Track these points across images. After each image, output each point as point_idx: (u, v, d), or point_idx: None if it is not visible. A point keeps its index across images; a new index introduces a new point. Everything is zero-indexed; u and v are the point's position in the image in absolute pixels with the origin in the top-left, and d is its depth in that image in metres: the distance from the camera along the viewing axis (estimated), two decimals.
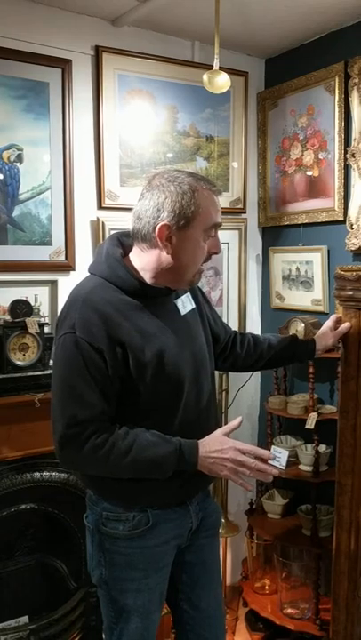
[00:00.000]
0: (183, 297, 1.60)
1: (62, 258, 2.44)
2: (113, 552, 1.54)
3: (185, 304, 1.60)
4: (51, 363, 2.21)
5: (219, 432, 1.48)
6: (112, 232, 2.52)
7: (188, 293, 1.63)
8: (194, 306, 1.63)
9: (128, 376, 1.42)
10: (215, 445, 1.44)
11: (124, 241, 1.54)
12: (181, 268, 1.46)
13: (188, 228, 1.41)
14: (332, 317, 1.92)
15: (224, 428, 1.49)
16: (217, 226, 1.48)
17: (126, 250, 1.52)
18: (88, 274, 1.53)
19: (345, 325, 1.89)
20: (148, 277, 1.47)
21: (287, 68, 2.80)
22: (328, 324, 1.91)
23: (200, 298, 1.70)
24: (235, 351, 1.83)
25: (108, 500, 1.53)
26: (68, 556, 2.39)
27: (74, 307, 1.42)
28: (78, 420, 1.37)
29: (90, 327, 1.37)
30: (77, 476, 1.60)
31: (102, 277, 1.47)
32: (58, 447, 1.42)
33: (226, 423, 2.73)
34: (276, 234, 2.94)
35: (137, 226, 1.46)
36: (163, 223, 1.41)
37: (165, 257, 1.44)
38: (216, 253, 1.51)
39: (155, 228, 1.41)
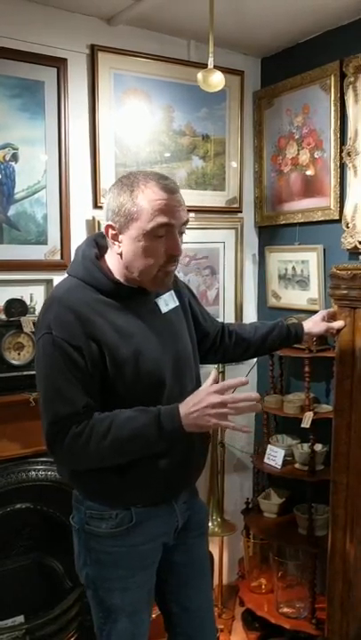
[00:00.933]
0: (165, 295, 1.59)
1: (58, 257, 2.44)
2: (98, 551, 1.54)
3: (167, 302, 1.59)
4: None
5: (200, 389, 1.44)
6: None
7: (172, 291, 1.62)
8: (177, 303, 1.62)
9: (105, 374, 1.41)
10: (192, 400, 1.39)
11: (101, 242, 1.54)
12: (133, 268, 1.44)
13: (128, 228, 1.41)
14: (328, 310, 1.96)
15: (205, 384, 1.43)
16: (165, 226, 1.40)
17: (102, 251, 1.53)
18: (66, 275, 1.54)
19: (339, 323, 1.90)
20: (119, 276, 1.48)
21: (283, 67, 2.80)
22: (322, 313, 1.95)
23: (185, 294, 1.70)
24: (224, 343, 1.84)
25: (93, 498, 1.53)
26: (64, 555, 2.38)
27: (50, 308, 1.43)
28: (60, 416, 1.38)
29: (66, 326, 1.38)
30: (64, 476, 1.59)
31: (79, 278, 1.47)
32: (47, 446, 1.43)
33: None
34: (272, 233, 2.94)
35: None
36: (107, 223, 1.45)
37: (117, 257, 1.46)
38: (175, 255, 1.45)
39: (104, 227, 1.46)
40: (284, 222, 2.83)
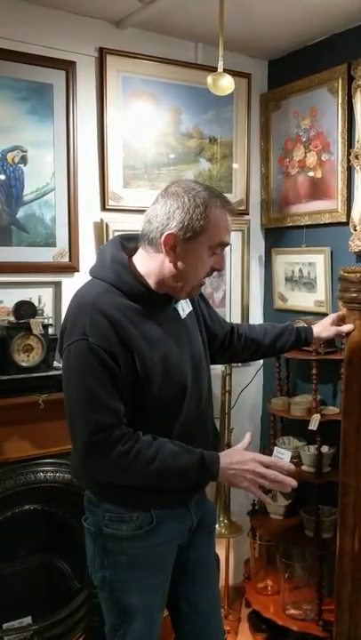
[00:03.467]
0: (182, 301, 1.60)
1: (66, 259, 2.44)
2: (117, 553, 1.54)
3: (184, 308, 1.61)
4: (56, 364, 2.23)
5: (239, 446, 1.52)
6: (115, 233, 2.53)
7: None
8: (191, 308, 1.64)
9: (136, 381, 1.43)
10: (236, 457, 1.46)
11: (126, 244, 1.54)
12: (181, 278, 1.46)
13: (193, 241, 1.43)
14: (338, 313, 1.97)
15: (242, 444, 1.52)
16: (224, 245, 1.49)
17: (128, 253, 1.52)
18: (90, 277, 1.53)
19: (348, 327, 1.90)
20: (151, 282, 1.48)
21: (290, 69, 2.80)
22: (332, 317, 1.96)
23: (196, 298, 1.71)
24: (232, 344, 1.85)
25: (111, 502, 1.53)
26: (71, 556, 2.39)
27: (82, 312, 1.41)
28: (102, 425, 1.37)
29: (101, 332, 1.37)
30: (80, 478, 1.59)
31: (107, 282, 1.46)
32: (83, 454, 1.41)
33: (229, 424, 2.75)
34: (278, 235, 2.95)
35: (146, 229, 1.47)
36: (170, 232, 1.42)
37: (168, 265, 1.45)
38: (219, 270, 1.53)
39: (162, 234, 1.42)
40: (290, 224, 2.84)
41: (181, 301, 1.60)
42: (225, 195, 1.52)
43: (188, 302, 1.64)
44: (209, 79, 2.10)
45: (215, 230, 1.44)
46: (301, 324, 2.48)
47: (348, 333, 1.92)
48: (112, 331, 1.38)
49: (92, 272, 1.53)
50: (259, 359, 2.03)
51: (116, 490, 1.49)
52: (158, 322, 1.49)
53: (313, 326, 1.92)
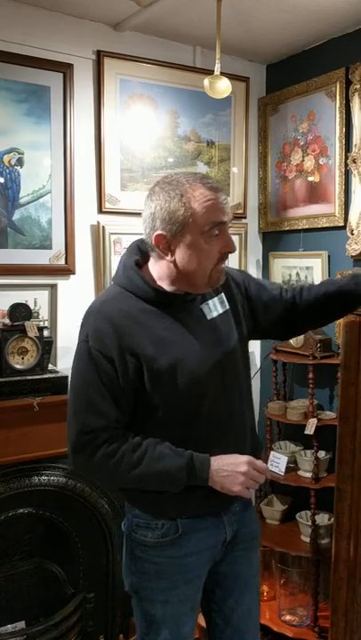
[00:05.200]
0: (212, 300, 1.51)
1: (62, 262, 2.44)
2: (143, 560, 1.50)
3: (215, 307, 1.51)
4: (51, 367, 2.22)
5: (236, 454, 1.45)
6: (112, 236, 2.54)
7: (222, 294, 1.54)
8: (227, 307, 1.54)
9: (142, 386, 1.40)
10: (229, 459, 1.41)
11: (143, 247, 1.50)
12: (189, 274, 1.41)
13: (183, 234, 1.36)
14: None
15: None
16: (218, 224, 1.38)
17: (146, 257, 1.49)
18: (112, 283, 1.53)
19: None
20: (166, 285, 1.44)
21: (288, 73, 2.81)
22: None
23: (236, 294, 1.58)
24: (300, 314, 1.64)
25: (137, 507, 1.51)
26: (65, 561, 2.37)
27: (89, 317, 1.44)
28: (90, 428, 1.38)
29: (102, 337, 1.38)
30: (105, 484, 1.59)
31: (122, 287, 1.46)
32: (70, 453, 1.42)
33: None
34: (276, 239, 2.94)
35: (144, 235, 1.44)
36: (157, 233, 1.38)
37: (170, 265, 1.41)
38: (229, 252, 1.42)
39: (151, 238, 1.40)
40: (288, 228, 2.84)
41: (210, 301, 1.51)
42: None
43: (224, 301, 1.54)
44: (206, 82, 2.10)
45: (200, 214, 1.35)
46: None
47: None
48: (114, 336, 1.37)
49: (112, 278, 1.54)
50: (327, 322, 1.79)
51: (142, 495, 1.47)
52: (179, 323, 1.44)
53: None
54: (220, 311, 1.52)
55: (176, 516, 1.48)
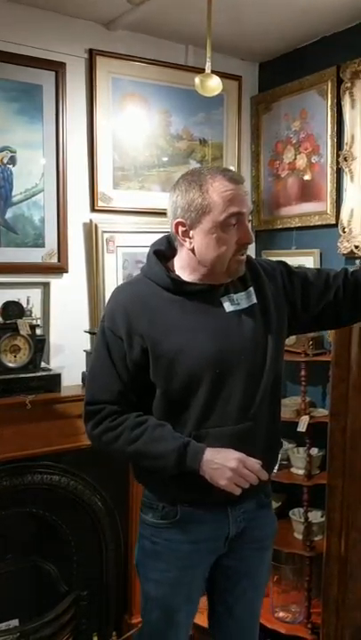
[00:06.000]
0: (237, 295, 1.50)
1: (55, 260, 2.44)
2: (145, 538, 1.58)
3: (237, 301, 1.50)
4: (43, 365, 2.22)
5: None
6: (105, 235, 2.54)
7: (251, 289, 1.52)
8: (253, 302, 1.51)
9: (147, 366, 1.45)
10: (223, 452, 1.41)
11: (173, 242, 1.55)
12: (206, 262, 1.45)
13: (201, 222, 1.41)
14: None
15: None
16: (236, 215, 1.41)
17: (175, 249, 1.53)
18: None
19: None
20: (187, 274, 1.49)
21: (281, 72, 2.81)
22: None
23: (269, 289, 1.54)
24: (358, 298, 1.58)
25: (145, 486, 1.58)
26: (59, 559, 2.38)
27: (110, 300, 1.56)
28: (95, 399, 1.49)
29: (114, 318, 1.48)
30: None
31: (143, 274, 1.55)
32: (83, 417, 1.53)
33: None
34: (269, 237, 2.95)
35: (169, 226, 1.50)
36: (177, 220, 1.44)
37: (189, 252, 1.46)
38: (246, 243, 1.45)
39: (172, 225, 1.46)
40: (281, 226, 2.84)
41: (235, 295, 1.50)
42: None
43: (252, 296, 1.51)
44: (197, 80, 2.10)
45: (218, 203, 1.39)
46: None
47: None
48: (125, 318, 1.46)
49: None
50: None
51: (149, 476, 1.53)
52: (195, 313, 1.46)
53: None
54: (245, 305, 1.51)
55: (176, 501, 1.51)
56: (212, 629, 1.73)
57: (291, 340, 2.60)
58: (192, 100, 2.68)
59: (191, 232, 1.44)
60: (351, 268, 1.64)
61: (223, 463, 1.39)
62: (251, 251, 3.01)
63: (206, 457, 1.40)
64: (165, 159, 2.70)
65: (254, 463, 1.41)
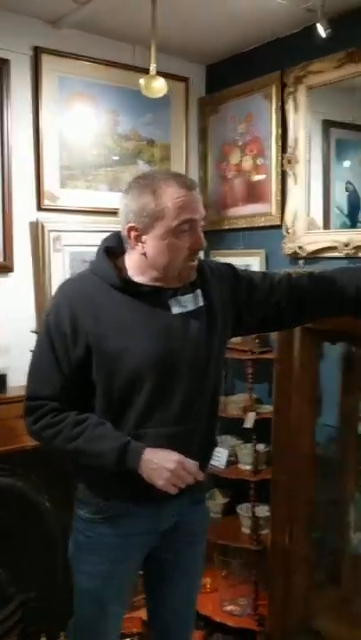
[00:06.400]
0: (185, 296, 1.52)
1: (0, 259, 2.41)
2: (78, 532, 1.59)
3: (185, 303, 1.52)
4: None
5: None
6: (51, 234, 2.52)
7: (198, 290, 1.54)
8: (201, 304, 1.54)
9: (90, 364, 1.45)
10: (162, 453, 1.43)
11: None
12: (158, 267, 1.45)
13: (153, 227, 1.42)
14: None
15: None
16: (189, 221, 1.42)
17: (124, 248, 1.54)
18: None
19: None
20: (136, 275, 1.49)
21: (227, 74, 2.86)
22: None
23: (216, 292, 1.57)
24: (301, 302, 1.63)
25: (81, 482, 1.59)
26: (7, 561, 2.35)
27: (55, 295, 1.56)
28: (37, 394, 1.48)
29: (59, 313, 1.47)
30: None
31: (91, 269, 1.55)
32: (23, 412, 1.52)
33: None
34: (217, 237, 2.99)
35: (120, 228, 1.50)
36: (129, 225, 1.44)
37: (140, 256, 1.46)
38: (198, 249, 1.46)
39: (125, 229, 1.46)
40: (228, 227, 2.89)
41: (182, 297, 1.51)
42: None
43: (199, 298, 1.54)
44: (141, 81, 2.12)
45: (170, 209, 1.40)
46: None
47: None
48: (70, 314, 1.45)
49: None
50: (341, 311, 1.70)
51: (84, 472, 1.55)
52: (141, 313, 1.47)
53: None
54: (192, 307, 1.53)
55: (112, 497, 1.52)
56: (150, 620, 1.77)
57: (237, 338, 2.65)
58: (140, 100, 2.68)
59: (143, 237, 1.44)
60: (294, 272, 1.70)
61: (162, 464, 1.41)
62: (200, 251, 3.06)
63: (145, 457, 1.42)
64: (113, 159, 2.70)
65: (192, 465, 1.43)
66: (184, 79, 2.89)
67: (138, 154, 2.78)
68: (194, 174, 3.00)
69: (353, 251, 2.32)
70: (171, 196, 1.40)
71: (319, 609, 2.13)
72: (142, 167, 2.78)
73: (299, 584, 2.04)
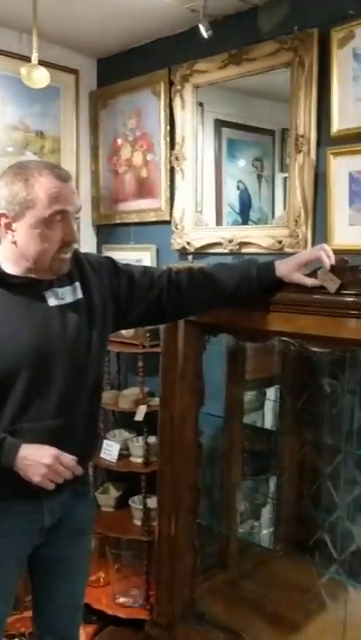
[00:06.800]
0: (62, 289, 1.51)
1: None
2: None
3: (62, 295, 1.51)
4: None
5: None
6: None
7: (76, 283, 1.54)
8: (79, 297, 1.54)
9: None
10: (37, 449, 1.41)
11: None
12: (29, 257, 1.43)
13: (24, 216, 1.40)
14: (309, 254, 1.69)
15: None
16: (60, 213, 1.41)
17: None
18: None
19: (311, 281, 1.63)
20: (9, 266, 1.46)
21: (118, 69, 2.86)
22: (300, 258, 1.67)
23: (95, 284, 1.58)
24: (180, 297, 1.69)
25: None
26: None
27: None
28: None
29: None
30: None
31: None
32: None
33: None
34: (109, 232, 2.99)
35: None
36: (0, 212, 1.41)
37: (11, 245, 1.43)
38: (69, 242, 1.45)
39: None
40: (119, 222, 2.90)
41: (59, 289, 1.51)
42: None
43: (77, 291, 1.54)
44: (23, 70, 2.07)
45: (44, 200, 1.39)
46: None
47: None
48: None
49: None
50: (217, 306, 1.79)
51: None
52: (15, 305, 1.45)
53: (276, 265, 1.68)
54: (70, 300, 1.52)
55: None
56: (35, 618, 1.75)
57: (129, 332, 2.67)
58: (28, 90, 2.60)
59: (14, 225, 1.42)
60: (174, 267, 1.75)
61: (37, 460, 1.39)
62: (91, 245, 3.05)
63: (21, 453, 1.40)
64: (12, 150, 2.62)
65: (69, 459, 1.43)
66: (74, 71, 2.85)
67: (26, 145, 2.71)
68: (85, 168, 2.98)
69: (237, 247, 2.41)
70: (43, 185, 1.39)
71: (205, 593, 2.20)
72: (31, 159, 2.72)
73: (184, 569, 2.09)
